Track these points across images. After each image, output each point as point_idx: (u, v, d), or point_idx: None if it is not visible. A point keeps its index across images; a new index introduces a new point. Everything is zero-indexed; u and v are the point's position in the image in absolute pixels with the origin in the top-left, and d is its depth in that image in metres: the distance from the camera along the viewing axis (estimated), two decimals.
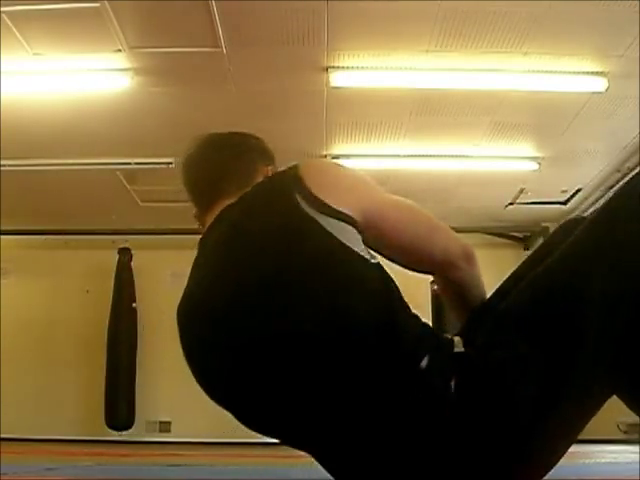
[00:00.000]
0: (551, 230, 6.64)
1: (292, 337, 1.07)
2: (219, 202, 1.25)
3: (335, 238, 1.09)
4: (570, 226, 1.25)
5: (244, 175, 1.32)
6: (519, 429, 1.04)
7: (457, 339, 1.15)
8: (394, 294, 1.12)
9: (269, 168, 1.37)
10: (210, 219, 1.24)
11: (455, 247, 1.23)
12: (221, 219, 1.21)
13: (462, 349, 1.12)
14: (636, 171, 1.16)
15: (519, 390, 1.04)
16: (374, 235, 1.16)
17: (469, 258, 1.24)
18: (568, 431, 1.10)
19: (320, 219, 1.10)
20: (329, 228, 1.10)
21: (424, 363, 1.06)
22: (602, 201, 1.12)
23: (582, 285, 1.05)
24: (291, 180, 1.15)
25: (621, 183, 1.16)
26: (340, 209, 1.11)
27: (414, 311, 1.15)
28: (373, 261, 1.13)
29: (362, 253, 1.11)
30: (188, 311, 1.21)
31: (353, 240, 1.11)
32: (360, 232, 1.13)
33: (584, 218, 1.23)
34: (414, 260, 1.23)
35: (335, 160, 1.31)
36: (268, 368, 1.08)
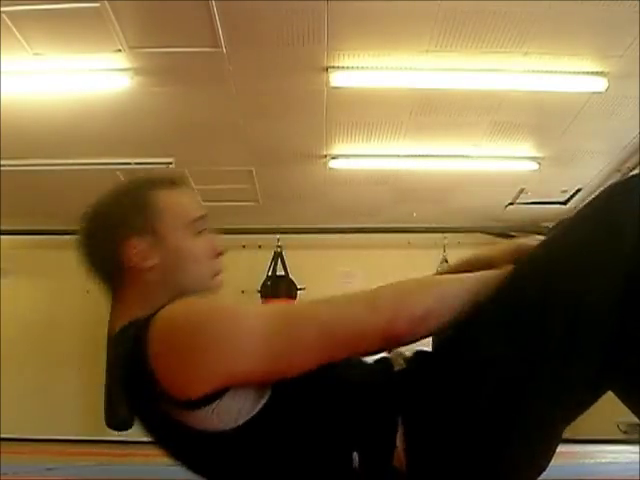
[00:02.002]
0: None
1: None
2: (113, 308, 1.19)
3: (195, 431, 1.02)
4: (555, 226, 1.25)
5: (109, 279, 1.18)
6: (489, 439, 1.02)
7: (393, 354, 1.13)
8: (296, 420, 1.05)
9: (133, 240, 1.14)
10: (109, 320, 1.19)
11: (392, 328, 1.03)
12: (112, 349, 1.14)
13: (402, 364, 1.11)
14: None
15: (483, 393, 1.02)
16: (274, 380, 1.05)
17: (420, 321, 1.04)
18: (548, 432, 1.08)
19: (177, 416, 1.02)
20: (187, 422, 1.02)
21: (355, 463, 1.04)
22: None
23: (551, 288, 1.04)
24: (145, 374, 1.00)
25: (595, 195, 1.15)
26: (200, 395, 0.99)
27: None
28: (264, 402, 1.04)
29: (240, 420, 1.02)
30: None
31: (228, 414, 1.02)
32: (243, 387, 1.03)
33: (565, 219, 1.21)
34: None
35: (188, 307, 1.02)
36: None
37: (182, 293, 1.11)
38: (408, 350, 1.13)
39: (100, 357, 7.04)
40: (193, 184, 5.27)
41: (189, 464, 1.13)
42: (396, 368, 1.12)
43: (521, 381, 1.01)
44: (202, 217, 1.20)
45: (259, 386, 1.04)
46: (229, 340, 1.00)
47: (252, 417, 1.03)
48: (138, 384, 1.03)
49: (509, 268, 1.10)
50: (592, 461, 3.30)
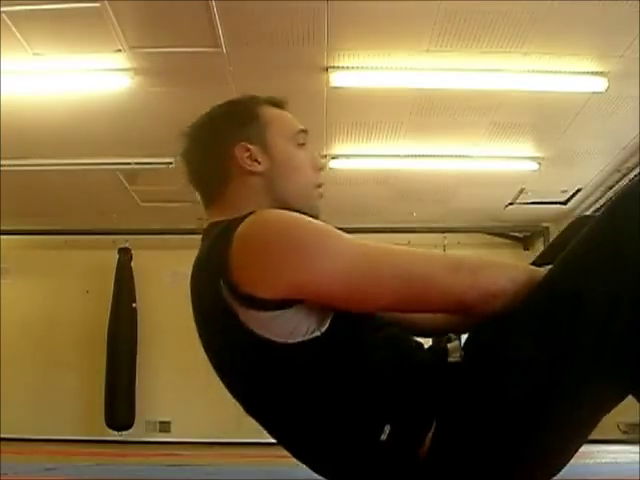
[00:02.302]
0: (551, 230, 6.66)
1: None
2: (209, 209, 1.24)
3: (252, 335, 1.04)
4: (577, 225, 1.24)
5: (217, 179, 1.22)
6: (518, 433, 1.03)
7: (452, 345, 1.12)
8: (342, 364, 1.06)
9: (242, 144, 1.20)
10: (207, 219, 1.24)
11: (464, 294, 1.05)
12: (202, 242, 1.19)
13: (458, 358, 1.10)
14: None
15: (515, 392, 1.03)
16: (334, 307, 1.06)
17: (491, 298, 1.06)
18: (572, 433, 1.09)
19: (240, 313, 1.04)
20: (248, 323, 1.04)
21: (384, 435, 1.04)
22: (602, 201, 1.09)
23: (583, 287, 1.04)
24: (221, 259, 1.05)
25: (626, 182, 1.14)
26: (265, 297, 1.02)
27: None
28: (318, 333, 1.05)
29: (290, 339, 1.04)
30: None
31: (284, 326, 1.04)
32: (307, 304, 1.05)
33: (590, 217, 1.20)
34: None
35: (291, 215, 1.08)
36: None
37: (283, 201, 1.18)
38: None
39: (100, 357, 7.05)
40: None
41: (237, 371, 1.14)
42: (450, 359, 1.11)
43: (552, 382, 1.02)
44: (304, 131, 1.27)
45: (321, 314, 1.06)
46: (315, 254, 1.04)
47: (303, 341, 1.05)
48: (215, 274, 1.06)
49: None
50: (592, 461, 3.29)
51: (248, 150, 1.20)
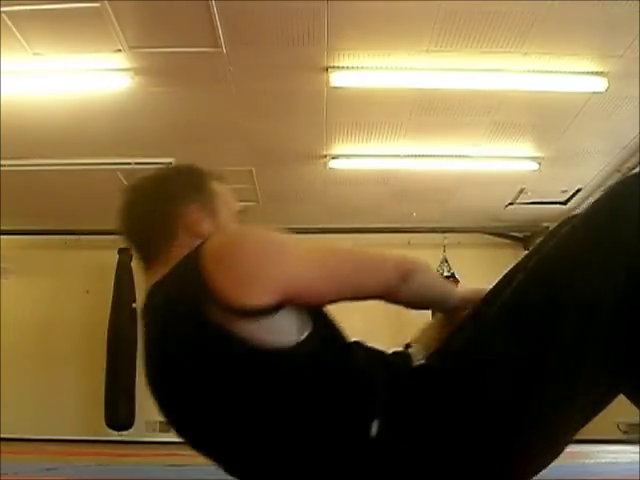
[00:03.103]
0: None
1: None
2: (150, 267, 1.25)
3: (241, 344, 1.05)
4: (557, 229, 1.26)
5: (162, 235, 1.26)
6: (503, 432, 1.04)
7: (413, 349, 1.18)
8: (325, 367, 1.10)
9: (193, 207, 1.27)
10: (146, 282, 1.24)
11: (389, 275, 1.19)
12: (147, 306, 1.21)
13: (421, 361, 1.15)
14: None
15: (495, 395, 1.04)
16: (305, 302, 1.12)
17: (406, 276, 1.19)
18: (558, 432, 1.10)
19: (226, 324, 1.05)
20: (245, 335, 1.05)
21: (374, 430, 1.06)
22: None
23: (559, 288, 1.06)
24: (194, 278, 1.08)
25: (606, 187, 1.17)
26: (247, 304, 1.05)
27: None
28: (303, 336, 1.09)
29: (281, 341, 1.07)
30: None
31: (271, 329, 1.07)
32: (286, 305, 1.09)
33: (571, 218, 1.22)
34: (359, 299, 1.20)
35: (245, 231, 1.19)
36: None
37: None
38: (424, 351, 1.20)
39: (100, 357, 7.06)
40: None
41: (223, 384, 1.12)
42: (414, 363, 1.16)
43: (530, 381, 1.03)
44: (240, 212, 1.37)
45: (305, 313, 1.11)
46: (288, 252, 1.13)
47: (301, 341, 1.09)
48: (194, 304, 1.08)
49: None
50: (592, 461, 3.29)
51: (198, 213, 1.27)
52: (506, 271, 1.23)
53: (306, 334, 1.09)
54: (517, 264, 1.22)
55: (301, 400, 1.08)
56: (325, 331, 1.14)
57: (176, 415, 1.19)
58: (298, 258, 1.13)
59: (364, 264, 1.19)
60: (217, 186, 1.35)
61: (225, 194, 1.35)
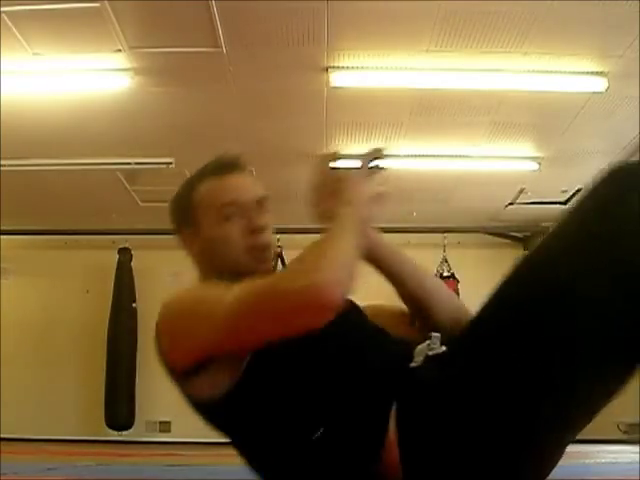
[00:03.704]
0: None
1: None
2: None
3: (194, 399, 1.23)
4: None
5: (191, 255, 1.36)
6: (494, 443, 1.04)
7: (419, 349, 1.16)
8: (271, 398, 1.17)
9: (186, 233, 1.35)
10: None
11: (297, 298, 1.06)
12: None
13: (419, 363, 1.14)
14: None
15: (504, 398, 1.03)
16: (232, 353, 1.15)
17: (321, 304, 1.05)
18: (560, 434, 1.09)
19: (182, 388, 1.23)
20: (188, 389, 1.22)
21: (317, 436, 1.11)
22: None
23: (549, 287, 1.05)
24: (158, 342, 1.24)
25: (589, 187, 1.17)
26: (184, 367, 1.17)
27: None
28: (237, 380, 1.16)
29: (221, 391, 1.16)
30: None
31: (210, 383, 1.17)
32: (215, 360, 1.15)
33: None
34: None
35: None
36: None
37: (221, 272, 1.26)
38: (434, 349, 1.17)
39: (100, 357, 7.05)
40: None
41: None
42: (412, 364, 1.14)
43: (530, 382, 1.02)
44: (231, 202, 1.28)
45: (234, 358, 1.15)
46: (200, 319, 1.14)
47: (234, 385, 1.15)
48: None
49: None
50: (592, 461, 3.30)
51: (189, 238, 1.33)
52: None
53: (238, 377, 1.15)
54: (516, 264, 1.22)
55: (263, 427, 1.18)
56: (267, 362, 1.14)
57: None
58: (207, 322, 1.13)
59: (264, 302, 1.09)
60: (201, 192, 1.30)
61: (208, 198, 1.29)
